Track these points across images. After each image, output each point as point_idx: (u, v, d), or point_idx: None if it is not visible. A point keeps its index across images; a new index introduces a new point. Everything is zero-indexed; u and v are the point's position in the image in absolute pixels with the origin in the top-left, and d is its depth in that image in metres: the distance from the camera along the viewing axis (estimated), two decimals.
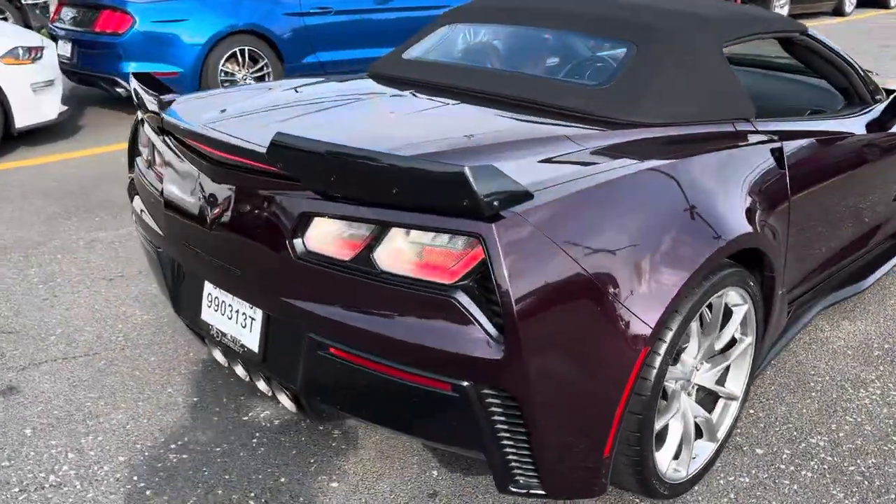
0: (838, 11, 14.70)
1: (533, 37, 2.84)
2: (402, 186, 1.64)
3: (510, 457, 1.80)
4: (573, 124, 2.22)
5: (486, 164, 1.60)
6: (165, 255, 2.40)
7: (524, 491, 1.85)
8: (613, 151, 2.05)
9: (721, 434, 2.31)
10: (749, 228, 2.11)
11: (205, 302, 2.27)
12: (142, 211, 2.52)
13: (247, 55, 6.65)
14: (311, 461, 2.36)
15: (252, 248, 1.96)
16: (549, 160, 1.93)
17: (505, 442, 1.78)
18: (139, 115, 2.63)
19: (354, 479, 2.29)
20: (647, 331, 1.80)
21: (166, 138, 2.28)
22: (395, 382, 1.79)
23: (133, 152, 2.74)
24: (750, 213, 2.16)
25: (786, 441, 2.48)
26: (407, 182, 1.63)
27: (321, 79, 2.92)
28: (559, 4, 2.77)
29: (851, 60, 3.07)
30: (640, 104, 2.29)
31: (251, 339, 2.11)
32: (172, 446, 2.43)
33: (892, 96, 3.13)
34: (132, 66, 6.20)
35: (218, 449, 2.42)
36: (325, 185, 1.77)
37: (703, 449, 2.27)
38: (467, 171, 1.54)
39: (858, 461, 2.39)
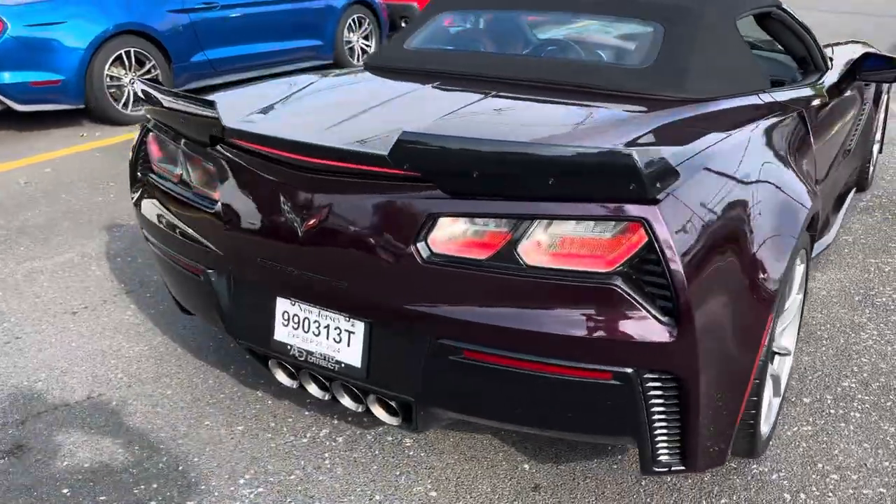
0: None
1: (547, 21, 2.84)
2: (561, 176, 1.59)
3: (660, 437, 1.81)
4: (632, 105, 2.25)
5: (645, 148, 1.59)
6: (219, 276, 2.19)
7: (666, 469, 1.87)
8: (695, 125, 2.10)
9: (783, 389, 2.44)
10: (815, 189, 2.24)
11: (279, 322, 2.10)
12: (172, 232, 2.28)
13: (133, 57, 6.16)
14: (398, 474, 2.26)
15: (360, 258, 1.83)
16: (636, 141, 1.93)
17: (658, 424, 1.78)
18: (147, 126, 2.38)
19: (450, 485, 2.21)
20: (773, 296, 1.87)
21: (223, 148, 2.08)
22: (541, 378, 1.75)
23: (137, 169, 2.48)
24: (808, 176, 2.29)
25: (823, 388, 2.66)
26: (568, 171, 1.59)
27: (344, 73, 2.77)
28: None
29: (811, 32, 3.30)
30: (686, 81, 2.35)
31: (350, 354, 1.98)
32: (241, 481, 2.23)
33: (845, 63, 3.40)
34: (6, 77, 5.57)
35: (293, 476, 2.25)
36: (463, 183, 1.69)
37: (774, 405, 2.39)
38: (635, 155, 1.52)
39: (891, 396, 2.61)
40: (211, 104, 2.01)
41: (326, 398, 2.17)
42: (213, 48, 6.78)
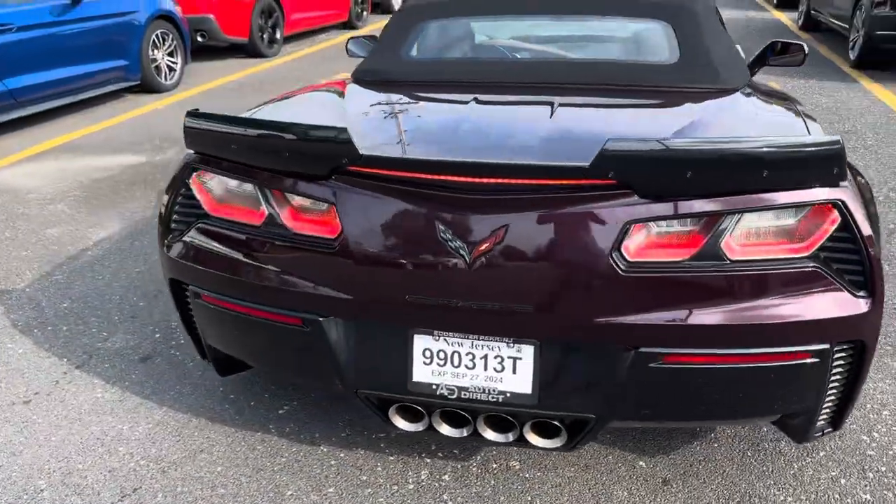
0: None
1: (553, 25, 2.84)
2: (771, 167, 1.63)
3: (828, 405, 1.92)
4: (691, 99, 2.35)
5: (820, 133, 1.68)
6: (336, 322, 1.93)
7: (820, 433, 2.00)
8: (769, 110, 2.26)
9: None
10: None
11: (418, 361, 1.91)
12: (255, 281, 1.97)
13: None
14: (529, 499, 2.16)
15: (544, 277, 1.73)
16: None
17: (832, 392, 1.90)
18: (193, 166, 2.04)
19: (587, 498, 2.16)
20: None
21: (345, 178, 1.83)
22: (743, 370, 1.78)
23: (172, 218, 2.11)
24: None
25: None
26: (777, 162, 1.63)
27: (374, 89, 2.54)
28: None
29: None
30: (713, 73, 2.51)
31: (516, 382, 1.86)
32: None
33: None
34: None
35: None
36: (669, 185, 1.66)
37: None
38: (841, 140, 1.61)
39: None
40: (341, 130, 1.77)
41: (464, 435, 2.01)
42: (12, 76, 5.88)
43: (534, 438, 1.96)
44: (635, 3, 2.73)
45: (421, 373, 1.91)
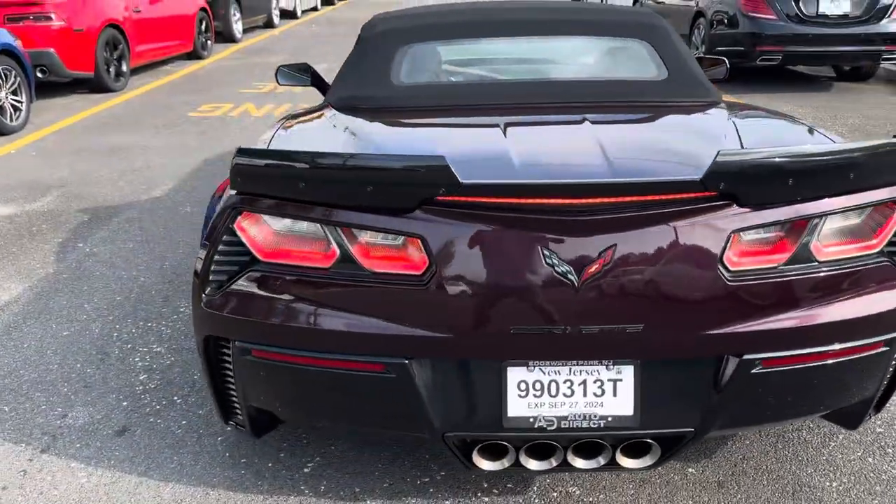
0: (269, 24, 16.01)
1: (530, 46, 2.83)
2: (860, 170, 1.73)
3: (882, 392, 2.05)
4: (694, 111, 2.45)
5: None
6: (424, 364, 1.80)
7: (868, 417, 2.13)
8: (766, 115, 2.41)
9: None
10: None
11: (512, 395, 1.82)
12: (327, 327, 1.80)
13: None
14: None
15: (656, 294, 1.72)
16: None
17: (887, 380, 2.02)
18: (241, 207, 1.84)
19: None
20: None
21: (435, 210, 1.72)
22: (831, 365, 1.86)
23: (211, 267, 1.88)
24: None
25: None
26: (865, 164, 1.73)
27: (397, 117, 2.41)
28: (535, 15, 2.83)
29: None
30: (701, 87, 2.63)
31: (618, 404, 1.83)
32: None
33: None
34: None
35: None
36: (773, 194, 1.71)
37: None
38: None
39: None
40: (439, 158, 1.65)
41: (553, 466, 1.94)
42: None
43: (625, 461, 1.93)
44: (611, 22, 2.81)
45: (516, 407, 1.83)
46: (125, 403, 2.72)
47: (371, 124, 2.40)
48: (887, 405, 2.61)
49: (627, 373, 1.82)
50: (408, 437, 1.98)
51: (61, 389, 2.82)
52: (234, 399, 2.08)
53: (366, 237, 1.81)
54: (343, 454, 2.42)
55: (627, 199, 1.70)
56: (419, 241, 1.75)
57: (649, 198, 1.70)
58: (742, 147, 2.07)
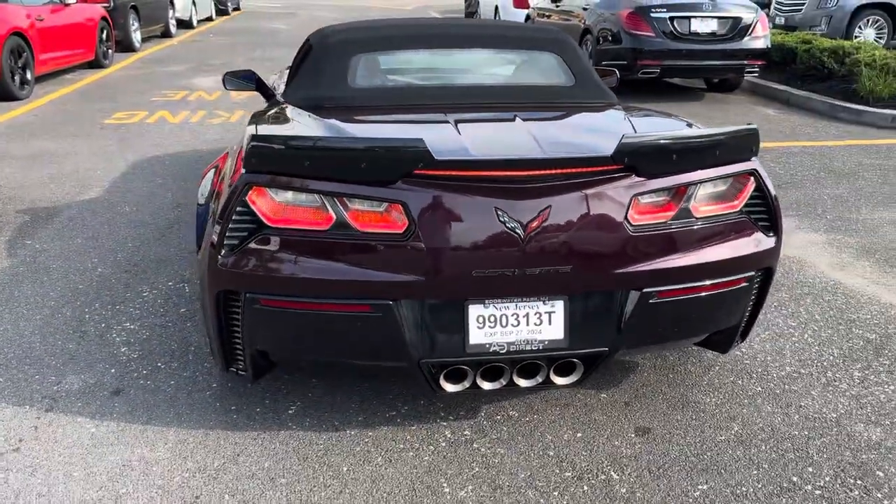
0: (166, 34, 15.95)
1: (461, 57, 3.36)
2: (724, 148, 2.36)
3: (746, 322, 2.69)
4: (595, 110, 3.07)
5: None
6: (404, 304, 2.28)
7: (735, 344, 2.77)
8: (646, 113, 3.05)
9: None
10: None
11: (473, 327, 2.34)
12: (326, 277, 2.25)
13: None
14: (539, 434, 2.66)
15: (578, 243, 2.27)
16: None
17: (749, 309, 2.66)
18: (254, 182, 2.26)
19: (579, 422, 2.72)
20: None
21: (413, 180, 2.21)
22: (707, 297, 2.46)
23: (226, 233, 2.30)
24: None
25: None
26: (728, 143, 2.35)
27: (364, 113, 2.87)
28: (464, 30, 3.38)
29: None
30: (603, 92, 3.26)
31: (552, 331, 2.38)
32: None
33: None
34: None
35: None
36: (661, 166, 2.30)
37: None
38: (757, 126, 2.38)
39: None
40: (419, 140, 2.15)
41: (503, 384, 2.46)
42: None
43: (557, 379, 2.48)
44: (528, 38, 3.40)
45: (476, 336, 2.34)
46: (113, 370, 3.05)
47: (341, 119, 2.86)
48: (749, 338, 3.29)
49: (559, 306, 2.37)
50: (387, 367, 2.45)
51: (49, 362, 3.11)
52: (237, 347, 2.50)
53: (356, 204, 2.28)
54: (320, 398, 2.86)
55: (558, 171, 2.25)
56: (400, 205, 2.24)
57: (574, 170, 2.26)
58: (677, 132, 2.65)
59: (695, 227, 2.41)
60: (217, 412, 2.78)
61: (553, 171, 2.25)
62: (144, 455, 2.54)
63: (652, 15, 8.53)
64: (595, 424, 2.73)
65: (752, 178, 2.50)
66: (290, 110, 3.08)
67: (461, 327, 2.34)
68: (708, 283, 2.44)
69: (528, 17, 12.49)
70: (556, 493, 2.37)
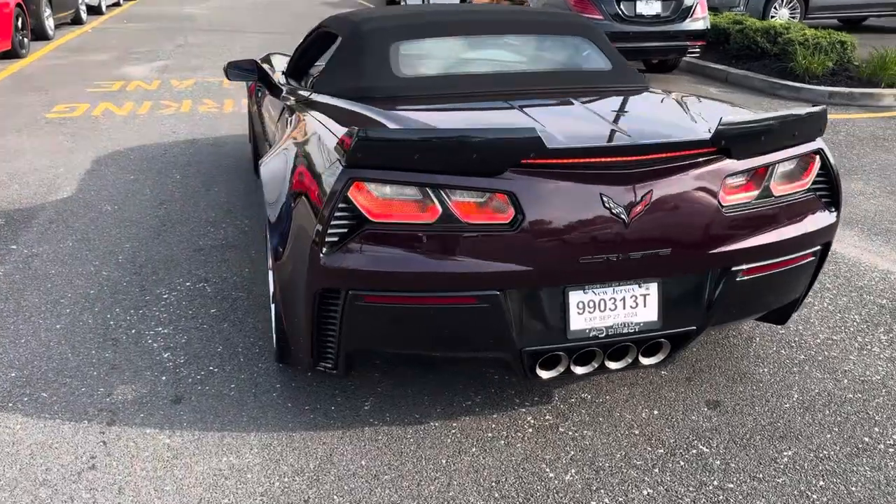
0: (77, 20, 15.12)
1: (497, 42, 3.34)
2: (800, 129, 2.45)
3: (804, 292, 2.83)
4: (646, 93, 3.13)
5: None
6: (509, 294, 2.28)
7: (793, 314, 2.90)
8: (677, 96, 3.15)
9: None
10: None
11: (573, 313, 2.36)
12: (431, 270, 2.23)
13: None
14: (608, 410, 2.72)
15: (678, 225, 2.33)
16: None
17: (808, 285, 2.80)
18: (354, 177, 2.21)
19: (638, 405, 2.80)
20: None
21: (519, 170, 2.21)
22: (787, 271, 2.57)
23: (328, 230, 2.24)
24: None
25: None
26: (805, 124, 2.45)
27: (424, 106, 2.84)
28: (494, 16, 3.37)
29: None
30: (637, 76, 3.31)
31: (647, 313, 2.43)
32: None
33: None
34: None
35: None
36: (751, 149, 2.38)
37: None
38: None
39: None
40: (531, 129, 2.14)
41: (594, 368, 2.50)
42: None
43: (644, 360, 2.54)
44: (556, 23, 3.43)
45: (576, 322, 2.37)
46: (164, 378, 2.92)
47: (407, 109, 2.81)
48: None
49: (653, 288, 2.42)
50: (487, 357, 2.44)
51: (90, 373, 2.95)
52: (330, 345, 2.44)
53: (461, 195, 2.25)
54: (391, 392, 2.83)
55: (660, 155, 2.30)
56: (507, 195, 2.23)
57: (674, 154, 2.31)
58: (693, 117, 2.72)
59: (774, 206, 2.51)
60: (292, 413, 2.71)
61: (656, 156, 2.30)
62: (233, 462, 2.45)
63: None
64: (666, 401, 2.81)
65: (817, 157, 2.61)
66: (334, 102, 3.00)
67: (562, 314, 2.36)
68: (785, 258, 2.55)
69: (461, 2, 12.49)
70: (656, 471, 2.44)
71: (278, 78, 4.17)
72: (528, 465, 2.46)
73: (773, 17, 12.88)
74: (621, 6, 8.74)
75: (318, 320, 2.40)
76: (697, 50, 9.18)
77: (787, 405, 2.80)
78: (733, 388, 2.90)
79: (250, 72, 4.11)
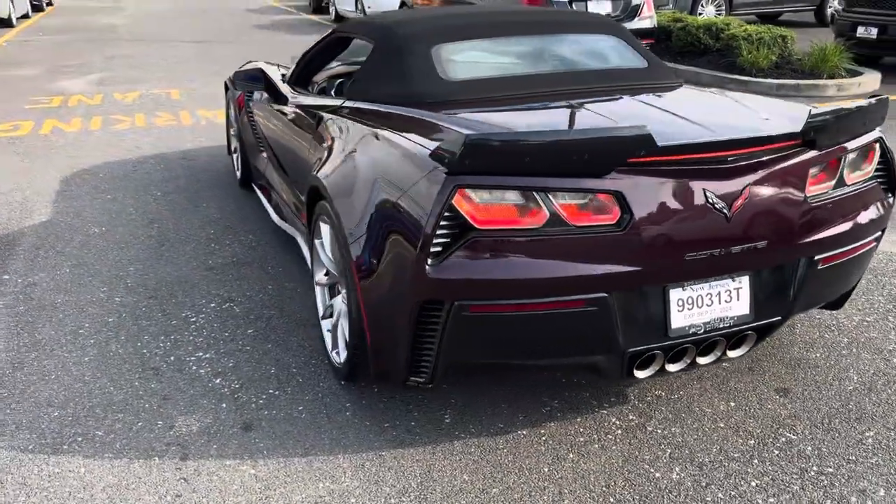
0: None
1: (532, 42, 3.30)
2: (871, 118, 2.52)
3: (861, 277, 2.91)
4: (689, 89, 3.17)
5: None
6: (617, 295, 2.25)
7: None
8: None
9: None
10: None
11: (674, 311, 2.36)
12: (545, 276, 2.18)
13: None
14: (688, 405, 2.74)
15: (772, 216, 2.35)
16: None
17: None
18: (458, 184, 2.14)
19: (715, 398, 2.83)
20: None
21: (624, 169, 2.19)
22: (858, 256, 2.64)
23: (435, 237, 2.16)
24: None
25: None
26: (873, 114, 2.53)
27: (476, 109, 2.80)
28: (525, 16, 3.34)
29: None
30: (673, 72, 3.35)
31: (740, 307, 2.45)
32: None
33: None
34: None
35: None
36: (834, 139, 2.43)
37: None
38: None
39: None
40: (642, 127, 2.12)
41: (686, 365, 2.50)
42: None
43: (730, 352, 2.56)
44: (586, 22, 3.43)
45: (677, 320, 2.37)
46: (224, 405, 2.77)
47: (477, 112, 2.74)
48: None
49: (745, 281, 2.44)
50: (585, 362, 2.41)
51: (141, 405, 2.77)
52: (426, 357, 2.35)
53: (566, 198, 2.21)
54: (466, 403, 2.76)
55: (756, 149, 2.32)
56: (613, 195, 2.21)
57: (767, 147, 2.34)
58: (752, 111, 2.77)
59: (847, 194, 2.57)
60: (374, 432, 2.60)
61: (753, 150, 2.32)
62: (332, 488, 2.34)
63: None
64: (738, 392, 2.84)
65: (877, 145, 2.69)
66: (406, 110, 2.88)
67: (663, 312, 2.36)
68: (857, 244, 2.62)
69: (402, 4, 12.43)
70: (755, 462, 2.46)
71: (280, 86, 4.03)
72: (630, 466, 2.44)
73: (700, 13, 13.34)
74: (573, 6, 8.87)
75: (417, 333, 2.31)
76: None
77: (851, 387, 2.87)
78: (795, 375, 2.95)
79: (257, 81, 3.95)
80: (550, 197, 2.20)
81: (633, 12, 9.12)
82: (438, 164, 2.21)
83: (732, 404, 2.77)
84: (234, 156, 5.38)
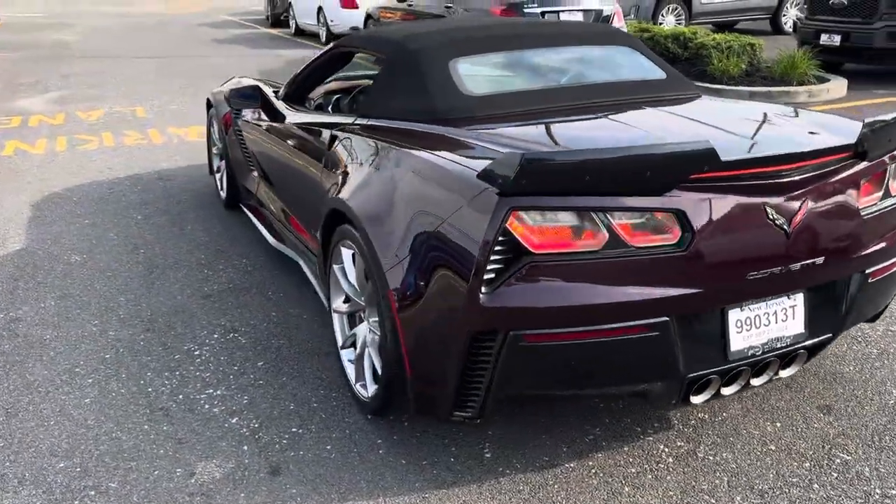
0: None
1: (549, 55, 3.18)
2: None
3: None
4: (712, 100, 3.09)
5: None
6: (677, 319, 2.13)
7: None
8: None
9: None
10: None
11: (733, 332, 2.25)
12: (598, 302, 2.05)
13: None
14: (734, 428, 2.64)
15: (831, 230, 2.27)
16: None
17: None
18: (512, 206, 2.01)
19: (759, 419, 2.73)
20: None
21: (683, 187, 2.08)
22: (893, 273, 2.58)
23: (489, 262, 2.01)
24: None
25: None
26: None
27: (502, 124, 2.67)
28: (539, 29, 3.23)
29: None
30: (690, 83, 3.26)
31: (795, 325, 2.36)
32: None
33: None
34: None
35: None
36: (882, 149, 2.36)
37: None
38: None
39: None
40: (705, 142, 2.01)
41: (740, 387, 2.39)
42: None
43: (783, 372, 2.46)
44: (602, 33, 3.33)
45: (736, 342, 2.26)
46: (245, 448, 2.57)
47: (499, 130, 2.61)
48: None
49: (799, 299, 2.35)
50: (639, 389, 2.28)
51: (156, 452, 2.55)
52: (474, 391, 2.20)
53: (623, 218, 2.09)
54: (503, 436, 2.61)
55: (811, 162, 2.23)
56: (674, 213, 2.09)
57: (822, 160, 2.25)
58: (785, 121, 2.69)
59: (894, 206, 2.50)
60: (412, 471, 2.44)
61: (808, 163, 2.23)
62: None
63: (525, 10, 8.74)
64: (780, 411, 2.75)
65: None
66: (432, 128, 2.72)
67: (722, 334, 2.25)
68: None
69: (368, 18, 12.28)
70: (816, 487, 2.36)
71: (276, 103, 3.84)
72: (690, 498, 2.32)
73: (661, 23, 13.47)
74: (545, 18, 8.83)
75: (467, 365, 2.16)
76: None
77: (892, 402, 2.80)
78: (834, 390, 2.88)
79: (254, 98, 3.76)
80: (609, 217, 2.07)
81: (605, 22, 9.11)
82: (489, 186, 2.07)
83: (778, 424, 2.67)
84: (218, 175, 5.15)
